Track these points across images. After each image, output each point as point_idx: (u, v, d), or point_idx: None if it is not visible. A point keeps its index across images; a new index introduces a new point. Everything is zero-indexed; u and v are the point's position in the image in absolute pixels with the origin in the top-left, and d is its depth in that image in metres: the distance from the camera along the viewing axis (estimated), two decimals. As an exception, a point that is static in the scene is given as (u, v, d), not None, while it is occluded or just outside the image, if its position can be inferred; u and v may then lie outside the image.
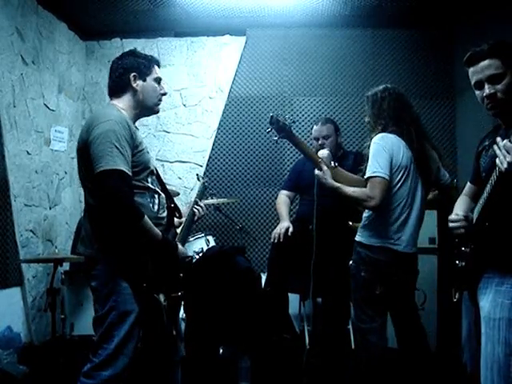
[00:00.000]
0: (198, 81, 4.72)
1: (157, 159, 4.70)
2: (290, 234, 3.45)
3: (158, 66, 2.26)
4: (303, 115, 4.67)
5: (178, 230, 2.39)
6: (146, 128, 4.76)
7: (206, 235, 3.89)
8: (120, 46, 4.80)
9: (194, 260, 3.57)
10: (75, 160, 4.77)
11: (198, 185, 2.64)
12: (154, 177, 2.16)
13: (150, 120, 4.76)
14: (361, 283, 2.52)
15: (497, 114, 1.84)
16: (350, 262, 2.61)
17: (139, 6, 4.20)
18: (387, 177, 2.42)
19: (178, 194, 4.33)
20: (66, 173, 4.49)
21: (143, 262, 1.98)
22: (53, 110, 4.27)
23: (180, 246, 2.17)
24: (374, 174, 2.41)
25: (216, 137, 4.71)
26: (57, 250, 4.08)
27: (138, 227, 1.94)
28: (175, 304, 2.19)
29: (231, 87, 4.70)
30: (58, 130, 4.32)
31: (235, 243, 4.54)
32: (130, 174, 1.95)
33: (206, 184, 2.71)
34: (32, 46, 3.95)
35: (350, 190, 2.52)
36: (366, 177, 2.46)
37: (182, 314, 3.23)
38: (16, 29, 3.73)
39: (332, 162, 3.37)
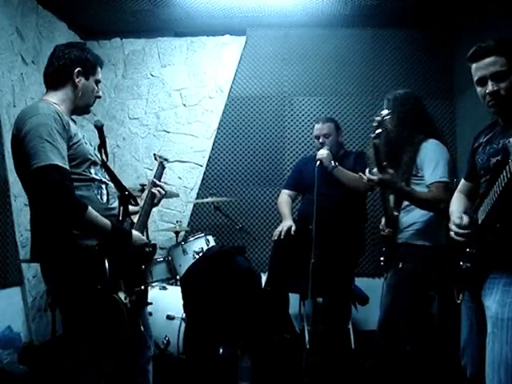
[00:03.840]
0: (198, 81, 4.72)
1: (155, 158, 4.68)
2: (292, 233, 3.44)
3: (101, 68, 2.16)
4: (303, 115, 4.67)
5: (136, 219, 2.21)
6: (145, 128, 4.76)
7: (205, 235, 3.89)
8: (120, 46, 4.80)
9: (193, 258, 3.57)
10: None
11: (155, 165, 2.46)
12: (97, 167, 2.05)
13: (149, 120, 4.76)
14: (420, 285, 2.54)
15: (497, 112, 1.83)
16: (400, 265, 2.59)
17: (139, 5, 4.20)
18: (450, 181, 2.51)
19: (178, 195, 4.33)
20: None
21: (94, 261, 1.84)
22: (53, 110, 4.26)
23: (135, 233, 2.03)
24: (442, 180, 2.49)
25: (216, 137, 4.70)
26: (57, 250, 4.07)
27: (82, 220, 1.85)
28: (140, 298, 2.04)
29: (231, 87, 4.70)
30: (57, 130, 4.31)
31: (235, 243, 4.54)
32: (66, 167, 1.85)
33: (165, 164, 2.49)
34: (32, 45, 3.95)
35: (422, 194, 2.53)
36: (433, 181, 2.50)
37: (182, 314, 3.23)
38: (16, 28, 3.73)
39: (332, 162, 3.37)
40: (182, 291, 3.21)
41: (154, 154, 2.58)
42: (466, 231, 1.81)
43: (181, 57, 4.76)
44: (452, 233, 1.86)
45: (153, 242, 2.23)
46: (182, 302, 3.19)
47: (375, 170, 2.48)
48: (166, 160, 2.51)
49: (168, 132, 4.75)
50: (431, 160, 2.52)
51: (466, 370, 1.95)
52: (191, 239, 3.84)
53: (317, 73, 4.67)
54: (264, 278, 3.56)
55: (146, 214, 2.21)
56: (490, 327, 1.71)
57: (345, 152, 3.66)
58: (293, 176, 3.83)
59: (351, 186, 3.39)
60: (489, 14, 3.75)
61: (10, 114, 3.65)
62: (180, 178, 4.70)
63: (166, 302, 3.34)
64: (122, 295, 1.88)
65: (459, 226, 1.83)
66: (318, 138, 3.55)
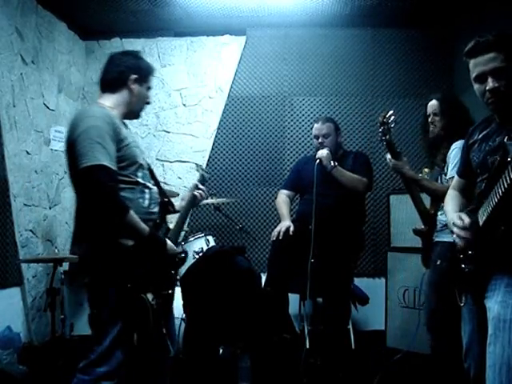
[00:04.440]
0: (198, 81, 4.72)
1: (157, 159, 4.69)
2: (291, 233, 3.44)
3: (152, 76, 2.26)
4: (303, 115, 4.66)
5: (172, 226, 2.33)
6: (145, 128, 4.76)
7: (205, 235, 3.87)
8: (120, 46, 4.79)
9: (193, 258, 3.57)
10: (75, 160, 4.78)
11: (197, 176, 2.64)
12: (145, 171, 2.13)
13: (149, 120, 4.75)
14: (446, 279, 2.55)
15: (495, 109, 1.78)
16: (438, 262, 2.62)
17: (139, 5, 4.19)
18: None
19: (178, 194, 4.32)
20: (65, 172, 4.48)
21: (128, 261, 1.95)
22: (52, 110, 4.26)
23: (169, 242, 2.11)
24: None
25: (216, 137, 4.70)
26: (56, 250, 4.08)
27: (123, 222, 1.92)
28: (166, 302, 2.15)
29: (231, 87, 4.70)
30: (57, 130, 4.32)
31: (235, 243, 4.54)
32: (113, 168, 1.93)
33: (206, 175, 2.67)
34: (32, 45, 3.94)
35: (432, 184, 2.66)
36: (450, 176, 2.56)
37: (182, 314, 3.22)
38: (16, 28, 3.73)
39: (332, 162, 3.37)
40: (182, 291, 3.20)
41: (196, 165, 2.83)
42: (468, 233, 1.77)
43: (181, 57, 4.76)
44: (454, 235, 1.84)
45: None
46: (182, 301, 3.18)
47: (388, 155, 2.79)
48: (206, 172, 2.73)
49: (168, 132, 4.75)
50: (454, 157, 2.55)
51: (469, 372, 1.93)
52: (191, 239, 3.83)
53: (317, 73, 4.66)
54: (264, 278, 3.56)
55: (184, 214, 2.37)
56: (491, 329, 1.68)
57: (344, 152, 3.66)
58: (291, 176, 3.82)
59: (350, 186, 3.39)
60: (489, 14, 3.75)
61: (10, 114, 3.65)
62: (180, 178, 4.69)
63: (166, 302, 3.33)
64: (149, 296, 1.97)
65: (461, 228, 1.79)
66: (317, 137, 3.55)
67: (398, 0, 4.07)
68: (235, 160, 4.69)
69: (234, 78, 4.70)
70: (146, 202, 2.09)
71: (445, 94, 2.91)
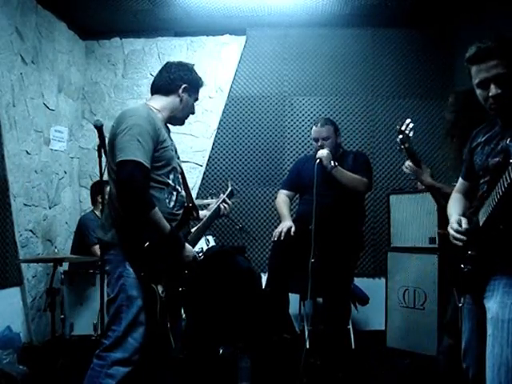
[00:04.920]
0: (198, 80, 4.71)
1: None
2: (292, 233, 3.42)
3: (201, 88, 2.42)
4: (303, 115, 4.66)
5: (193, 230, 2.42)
6: (145, 128, 4.75)
7: (206, 235, 3.87)
8: (120, 46, 4.80)
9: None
10: (75, 160, 4.80)
11: (229, 188, 2.74)
12: (177, 175, 2.24)
13: (149, 120, 4.75)
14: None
15: (498, 114, 1.81)
16: None
17: (139, 5, 4.19)
18: None
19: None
20: (65, 172, 4.49)
21: (146, 251, 2.03)
22: (52, 110, 4.26)
23: (188, 246, 2.20)
24: None
25: (216, 136, 4.70)
26: (56, 250, 4.07)
27: (147, 217, 2.01)
28: (176, 298, 2.20)
29: (231, 87, 4.70)
30: (57, 130, 4.32)
31: (235, 243, 4.54)
32: (148, 166, 2.03)
33: (234, 189, 2.77)
34: (31, 45, 3.94)
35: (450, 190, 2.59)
36: None
37: (182, 314, 3.22)
38: (15, 28, 3.72)
39: (332, 162, 3.37)
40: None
41: (228, 180, 2.97)
42: (463, 237, 1.81)
43: (181, 57, 4.75)
44: (453, 236, 1.86)
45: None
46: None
47: (409, 162, 2.72)
48: (235, 189, 2.83)
49: (168, 132, 4.75)
50: None
51: (467, 372, 1.94)
52: (191, 239, 3.83)
53: (317, 72, 4.66)
54: (264, 278, 3.56)
55: (206, 223, 2.45)
56: (490, 329, 1.69)
57: (343, 152, 3.65)
58: (291, 176, 3.79)
59: (350, 186, 3.38)
60: (489, 14, 3.75)
61: (10, 113, 3.65)
62: (180, 178, 4.69)
63: (166, 302, 3.33)
64: (160, 288, 2.05)
65: (457, 231, 1.83)
66: (316, 140, 3.53)
67: (398, 0, 4.07)
68: (235, 160, 4.69)
69: (234, 78, 4.70)
70: (172, 204, 2.19)
71: (463, 93, 2.77)
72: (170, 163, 2.18)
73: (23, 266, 3.76)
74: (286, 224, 3.48)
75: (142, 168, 2.01)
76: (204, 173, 4.68)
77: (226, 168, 4.69)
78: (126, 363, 2.02)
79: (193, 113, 2.39)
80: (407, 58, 4.60)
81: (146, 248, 2.03)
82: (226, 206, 2.55)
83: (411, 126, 2.67)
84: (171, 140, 2.26)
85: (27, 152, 3.87)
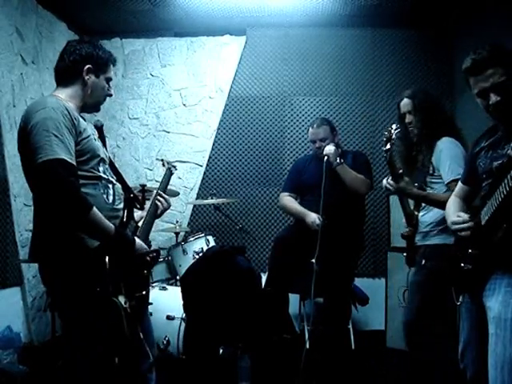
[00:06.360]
0: (198, 81, 4.72)
1: (157, 159, 4.69)
2: (317, 226, 3.31)
3: (114, 66, 2.08)
4: (303, 115, 4.66)
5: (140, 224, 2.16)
6: (145, 128, 4.76)
7: (205, 235, 3.88)
8: (120, 46, 4.80)
9: (193, 258, 3.57)
10: (75, 160, 4.76)
11: (164, 171, 2.39)
12: (106, 166, 1.99)
13: (149, 120, 4.76)
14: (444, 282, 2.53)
15: (501, 121, 1.83)
16: (423, 262, 2.59)
17: (139, 5, 4.20)
18: None
19: (178, 193, 4.33)
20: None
21: (95, 262, 1.78)
22: (52, 110, 4.25)
23: (138, 241, 1.95)
24: (459, 177, 2.38)
25: (216, 137, 4.70)
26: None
27: (85, 220, 1.76)
28: (140, 304, 1.99)
29: (231, 87, 4.70)
30: (57, 130, 4.31)
31: (235, 243, 4.54)
32: (73, 162, 1.78)
33: (173, 171, 2.42)
34: (32, 45, 3.95)
35: (438, 196, 2.51)
36: (450, 179, 2.48)
37: (182, 314, 3.23)
38: (16, 28, 3.73)
39: (338, 159, 3.37)
40: (182, 291, 3.21)
41: (162, 160, 2.52)
42: (468, 224, 1.80)
43: (181, 57, 4.76)
44: (456, 230, 1.86)
45: (152, 241, 2.20)
46: (181, 302, 3.18)
47: (390, 180, 2.58)
48: (174, 167, 2.46)
49: (168, 132, 4.75)
50: (446, 158, 2.53)
51: (465, 372, 1.94)
52: (191, 239, 3.84)
53: (317, 73, 4.66)
54: (264, 278, 3.56)
55: (149, 223, 2.16)
56: (492, 328, 1.70)
57: (342, 152, 3.64)
58: (291, 178, 3.76)
59: (353, 185, 3.38)
60: (489, 14, 3.75)
61: (10, 114, 3.65)
62: (180, 178, 4.69)
63: (166, 302, 3.34)
64: (121, 299, 1.82)
65: (459, 222, 1.84)
66: (313, 142, 3.53)
67: (398, 0, 4.07)
68: (235, 160, 4.69)
69: (234, 78, 4.70)
70: (111, 198, 1.95)
71: (414, 90, 2.76)
72: (97, 154, 1.92)
73: (23, 265, 3.76)
74: (313, 215, 3.38)
75: (66, 166, 1.73)
76: (204, 173, 4.68)
77: (226, 168, 4.69)
78: None
79: (109, 95, 2.07)
80: (407, 59, 4.59)
81: (95, 256, 1.78)
82: (161, 200, 2.23)
83: (396, 132, 2.57)
84: (92, 128, 1.99)
85: (27, 152, 3.87)
